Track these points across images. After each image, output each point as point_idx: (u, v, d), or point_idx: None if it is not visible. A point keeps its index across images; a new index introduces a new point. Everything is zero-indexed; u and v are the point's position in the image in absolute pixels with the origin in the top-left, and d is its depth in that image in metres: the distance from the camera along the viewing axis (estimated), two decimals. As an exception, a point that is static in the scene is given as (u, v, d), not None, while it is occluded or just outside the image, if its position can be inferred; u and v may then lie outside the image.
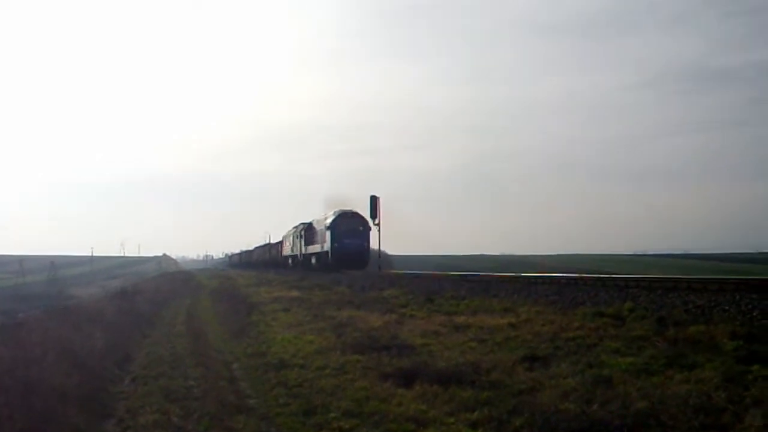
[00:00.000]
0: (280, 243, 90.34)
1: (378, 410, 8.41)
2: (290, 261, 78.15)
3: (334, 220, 55.73)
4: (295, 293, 29.66)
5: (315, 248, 61.83)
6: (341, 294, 26.98)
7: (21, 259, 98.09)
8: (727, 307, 14.03)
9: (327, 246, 56.05)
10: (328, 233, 55.80)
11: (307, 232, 67.02)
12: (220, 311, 24.59)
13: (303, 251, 68.36)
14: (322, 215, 61.87)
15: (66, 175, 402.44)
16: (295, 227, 77.97)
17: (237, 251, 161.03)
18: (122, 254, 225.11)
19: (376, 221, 53.73)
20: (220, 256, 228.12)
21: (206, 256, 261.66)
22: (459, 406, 8.31)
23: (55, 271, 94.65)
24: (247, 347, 14.64)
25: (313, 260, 62.30)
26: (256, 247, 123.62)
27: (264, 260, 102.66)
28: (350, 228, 55.14)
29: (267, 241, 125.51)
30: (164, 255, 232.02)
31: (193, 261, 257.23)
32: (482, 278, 29.27)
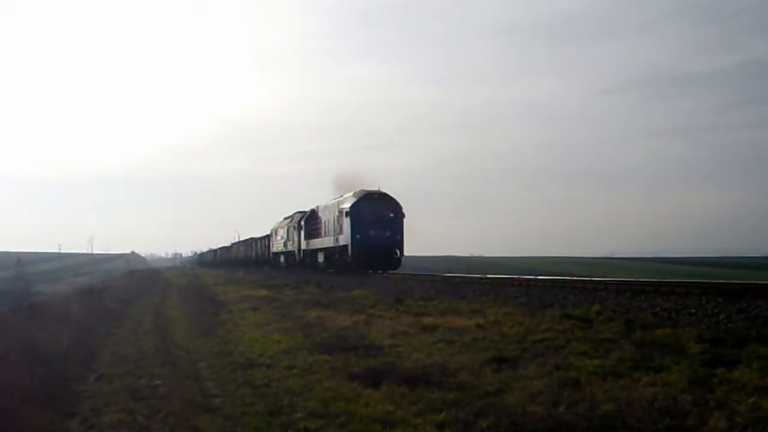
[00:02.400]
0: (268, 237, 77.99)
1: (345, 411, 8.37)
2: (282, 259, 66.56)
3: (355, 204, 42.25)
4: (263, 292, 29.60)
5: (323, 242, 49.02)
6: (310, 294, 26.95)
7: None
8: (693, 311, 14.13)
9: (344, 239, 43.08)
10: (346, 221, 42.59)
11: (310, 222, 54.44)
12: (188, 310, 24.44)
13: (303, 246, 56.22)
14: (331, 199, 49.16)
15: (34, 171, 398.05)
16: (289, 217, 66.04)
17: (210, 248, 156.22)
18: (90, 251, 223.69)
19: None
20: (189, 254, 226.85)
21: (175, 254, 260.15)
22: (426, 407, 8.30)
23: (22, 267, 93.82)
24: (214, 346, 14.56)
25: (320, 258, 50.05)
26: (235, 243, 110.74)
27: (245, 258, 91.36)
28: (378, 214, 42.27)
29: (236, 239, 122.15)
30: (133, 253, 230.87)
31: (162, 259, 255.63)
32: (455, 281, 29.28)
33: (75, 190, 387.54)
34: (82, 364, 12.77)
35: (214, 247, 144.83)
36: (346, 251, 43.12)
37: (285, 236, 65.68)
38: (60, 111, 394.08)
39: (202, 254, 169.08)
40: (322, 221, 50.13)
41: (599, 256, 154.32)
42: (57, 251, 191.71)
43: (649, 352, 10.33)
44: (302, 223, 56.79)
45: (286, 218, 67.71)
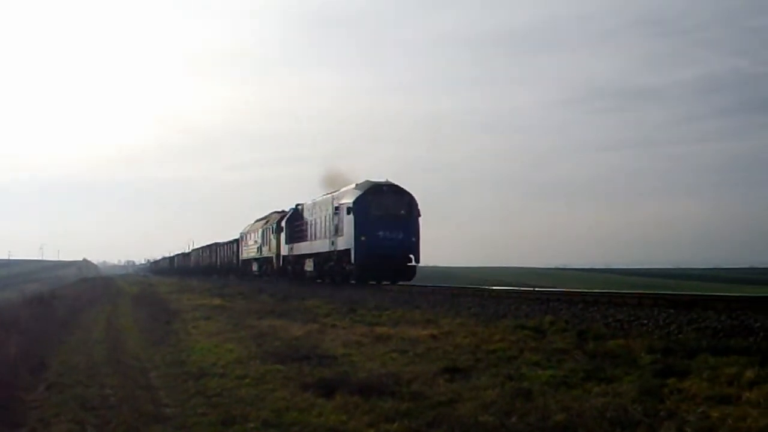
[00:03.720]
0: (235, 243, 70.72)
1: (297, 420, 8.32)
2: (255, 267, 59.74)
3: (360, 199, 35.27)
4: (217, 301, 29.36)
5: (313, 246, 41.92)
6: (264, 303, 26.80)
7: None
8: (645, 322, 14.25)
9: (345, 242, 35.78)
10: (347, 220, 35.34)
11: (293, 222, 47.16)
12: (140, 318, 24.17)
13: (285, 252, 48.75)
14: (322, 195, 42.12)
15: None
16: (264, 218, 59.03)
17: (165, 255, 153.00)
18: (41, 258, 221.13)
19: None
20: (142, 261, 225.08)
21: (128, 261, 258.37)
22: (379, 417, 8.26)
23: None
24: (166, 355, 14.40)
25: (309, 265, 42.80)
26: (196, 250, 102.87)
27: (208, 266, 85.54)
28: (389, 211, 35.23)
29: (190, 247, 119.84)
30: (85, 260, 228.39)
31: (115, 266, 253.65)
32: (409, 289, 29.32)
33: (25, 196, 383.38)
34: (31, 373, 12.55)
35: (170, 254, 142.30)
36: (346, 257, 35.81)
37: (259, 240, 57.90)
38: (6, 116, 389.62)
39: (156, 262, 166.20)
40: (311, 221, 42.86)
41: (553, 266, 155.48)
42: (6, 258, 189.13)
43: (601, 362, 10.39)
44: (283, 224, 49.23)
45: (259, 220, 60.94)
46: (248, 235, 63.91)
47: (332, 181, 43.61)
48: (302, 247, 44.88)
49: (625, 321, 14.64)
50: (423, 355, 12.35)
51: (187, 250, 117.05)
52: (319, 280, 41.51)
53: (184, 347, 15.33)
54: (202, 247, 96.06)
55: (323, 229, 39.97)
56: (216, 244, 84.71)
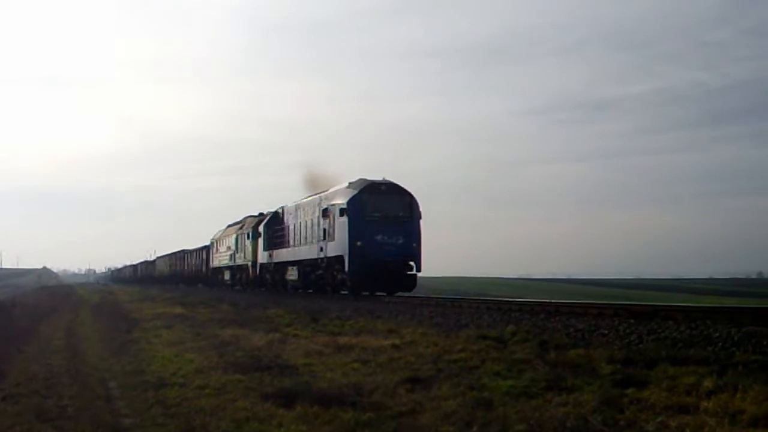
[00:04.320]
0: (205, 250, 66.34)
1: (258, 431, 8.28)
2: (228, 275, 55.65)
3: (355, 199, 31.58)
4: (178, 310, 29.16)
5: (297, 253, 37.83)
6: (225, 312, 26.66)
7: None
8: (606, 332, 14.31)
9: (336, 247, 32.06)
10: (339, 223, 31.62)
11: (272, 227, 43.10)
12: (100, 327, 23.95)
13: (263, 259, 44.41)
14: (307, 196, 38.76)
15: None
16: (238, 223, 55.03)
17: (127, 264, 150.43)
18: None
19: None
20: (103, 270, 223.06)
21: (89, 270, 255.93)
22: (339, 427, 8.23)
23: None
24: (126, 365, 14.26)
25: (292, 274, 38.93)
26: (161, 257, 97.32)
27: (174, 274, 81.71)
28: (387, 213, 31.53)
29: (152, 256, 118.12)
30: (44, 268, 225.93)
31: (76, 275, 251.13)
32: (372, 298, 29.29)
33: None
34: (-13, 383, 12.40)
35: (133, 262, 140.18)
36: (338, 265, 32.08)
37: (233, 247, 53.35)
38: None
39: (118, 270, 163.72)
40: (294, 226, 38.82)
41: (515, 276, 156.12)
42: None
43: (562, 372, 10.42)
44: (261, 229, 45.04)
45: (233, 225, 56.95)
46: (220, 242, 59.31)
47: (314, 183, 41.08)
48: (284, 254, 40.36)
49: (586, 331, 14.70)
50: (384, 365, 12.33)
51: (151, 258, 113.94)
52: (306, 291, 37.60)
53: (145, 357, 15.19)
54: (168, 255, 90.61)
55: (309, 234, 35.97)
56: (183, 252, 79.59)
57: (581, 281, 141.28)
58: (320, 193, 36.26)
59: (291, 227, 39.48)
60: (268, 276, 44.27)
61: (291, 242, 39.19)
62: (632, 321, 15.26)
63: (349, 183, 32.94)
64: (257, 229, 46.41)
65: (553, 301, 23.39)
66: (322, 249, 33.58)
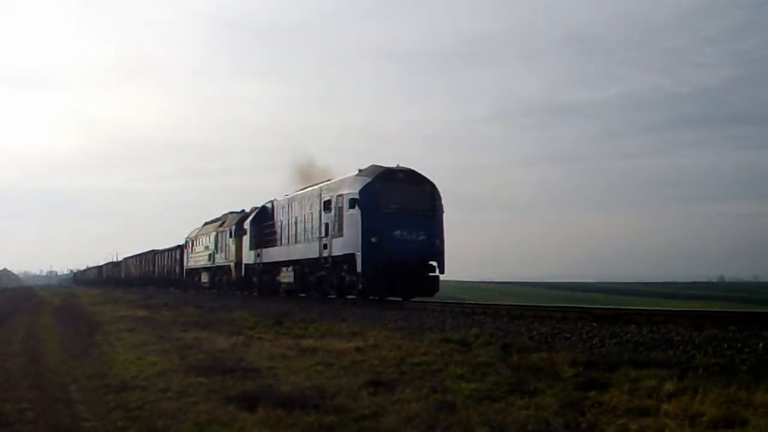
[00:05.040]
0: (178, 249, 62.03)
1: (219, 434, 8.23)
2: (206, 277, 51.09)
3: (369, 187, 27.45)
4: (141, 313, 28.95)
5: (292, 251, 33.82)
6: (189, 315, 26.50)
7: None
8: (569, 335, 14.39)
9: (346, 245, 27.99)
10: (350, 216, 27.68)
11: (261, 223, 38.99)
12: (62, 330, 23.72)
13: (249, 259, 40.27)
14: (308, 186, 34.19)
15: None
16: (217, 220, 50.65)
17: (90, 265, 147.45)
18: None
19: None
20: (66, 272, 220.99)
21: (50, 271, 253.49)
22: (302, 430, 8.21)
23: None
24: (87, 368, 14.12)
25: (286, 276, 34.80)
26: (129, 258, 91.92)
27: (143, 276, 77.40)
28: (407, 204, 27.50)
29: (114, 257, 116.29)
30: (4, 270, 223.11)
31: (37, 277, 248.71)
32: (334, 301, 29.26)
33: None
34: (-56, 387, 12.24)
35: (97, 263, 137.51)
36: (348, 265, 27.90)
37: (211, 246, 49.25)
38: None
39: (82, 272, 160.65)
40: (288, 221, 34.82)
41: (478, 280, 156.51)
42: None
43: (525, 375, 10.46)
44: (246, 225, 40.96)
45: (211, 222, 52.85)
46: (196, 241, 54.68)
47: (306, 175, 37.91)
48: (275, 254, 36.29)
49: (549, 334, 14.77)
50: (348, 368, 12.31)
51: (116, 259, 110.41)
52: (306, 294, 33.30)
53: (106, 360, 15.07)
54: (137, 256, 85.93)
55: (308, 231, 31.92)
56: (153, 252, 74.97)
57: (544, 285, 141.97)
58: (320, 183, 32.26)
59: (284, 223, 35.59)
60: (255, 278, 40.06)
61: (284, 240, 35.31)
62: (595, 324, 15.36)
63: (360, 170, 28.70)
64: (241, 226, 42.44)
65: (516, 304, 23.47)
66: (326, 247, 29.41)
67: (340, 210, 28.46)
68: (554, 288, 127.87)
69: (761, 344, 11.58)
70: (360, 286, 27.37)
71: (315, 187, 32.56)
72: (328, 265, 29.70)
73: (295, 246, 33.65)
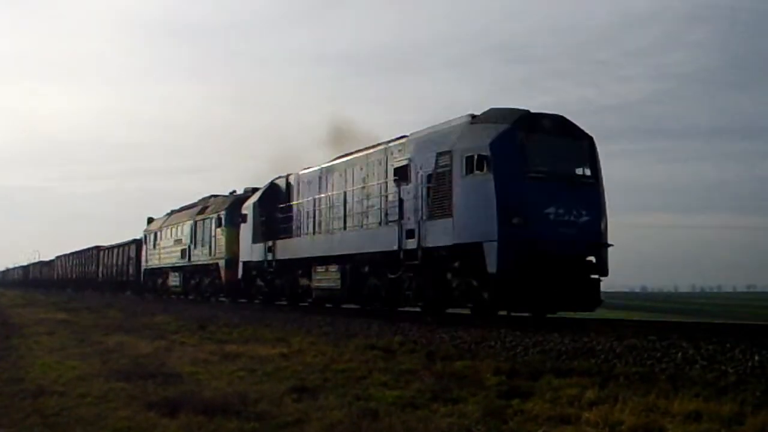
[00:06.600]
0: (135, 245, 51.40)
1: (139, 440, 8.10)
2: (176, 279, 41.62)
3: (507, 137, 17.95)
4: (62, 315, 28.44)
5: (335, 245, 24.39)
6: (111, 318, 26.13)
7: None
8: (493, 344, 14.49)
9: (460, 230, 18.43)
10: (471, 185, 18.25)
11: (268, 206, 29.65)
12: (-23, 333, 23.20)
13: (252, 255, 30.07)
14: (371, 148, 23.93)
15: None
16: (191, 206, 41.79)
17: (16, 265, 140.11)
18: None
19: None
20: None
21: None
22: (223, 437, 8.13)
23: None
24: (2, 372, 13.79)
25: (326, 278, 24.84)
26: (64, 256, 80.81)
27: (82, 277, 67.76)
28: (561, 169, 18.54)
29: (36, 258, 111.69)
30: None
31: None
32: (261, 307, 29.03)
33: None
34: None
35: (20, 263, 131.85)
36: (461, 262, 18.75)
37: (186, 239, 39.19)
38: None
39: (2, 273, 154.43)
40: (323, 201, 25.86)
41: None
42: None
43: (448, 383, 10.49)
44: (247, 210, 31.06)
45: (181, 210, 43.40)
46: (161, 234, 44.24)
47: (341, 139, 30.04)
48: (301, 247, 26.73)
49: (473, 342, 14.86)
50: (271, 374, 12.23)
51: (39, 259, 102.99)
52: (364, 305, 24.16)
53: (23, 364, 14.74)
54: (74, 253, 74.65)
55: (370, 211, 22.98)
56: (97, 249, 63.68)
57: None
58: (386, 143, 23.02)
59: (315, 204, 26.33)
60: (261, 281, 30.63)
61: (316, 228, 26.34)
62: (518, 333, 15.47)
63: (473, 116, 19.52)
64: (237, 211, 32.69)
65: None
66: (411, 234, 20.16)
67: (441, 176, 19.20)
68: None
69: (680, 354, 11.81)
70: (487, 295, 18.19)
71: (377, 148, 23.43)
72: (416, 261, 20.06)
73: (343, 235, 24.20)
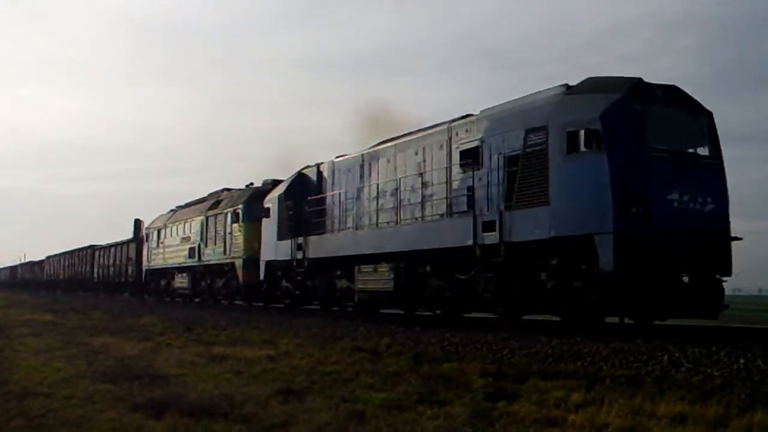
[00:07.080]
0: (135, 244, 48.89)
1: (125, 443, 8.08)
2: (183, 282, 38.31)
3: (621, 110, 15.31)
4: (48, 317, 28.27)
5: (386, 241, 21.50)
6: (98, 320, 26.01)
7: None
8: (480, 346, 14.50)
9: (559, 221, 15.72)
10: (578, 164, 15.55)
11: (296, 198, 27.06)
12: (-39, 335, 23.08)
13: (275, 254, 27.26)
14: (429, 129, 21.30)
15: None
16: (200, 201, 38.62)
17: (3, 266, 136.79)
18: None
19: None
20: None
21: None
22: (209, 439, 8.11)
23: None
24: (-13, 374, 13.77)
25: (374, 280, 21.81)
26: (54, 256, 77.57)
27: (74, 278, 65.28)
28: (680, 147, 16.17)
29: (22, 260, 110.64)
30: None
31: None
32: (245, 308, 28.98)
33: None
34: None
35: (4, 264, 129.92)
36: (559, 259, 16.26)
37: (196, 237, 36.06)
38: None
39: None
40: (365, 190, 23.43)
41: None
42: None
43: (435, 385, 10.50)
44: (271, 203, 28.02)
45: (188, 205, 40.51)
46: (165, 231, 41.04)
47: (381, 128, 26.18)
48: (340, 243, 23.80)
49: (460, 345, 14.87)
50: (258, 376, 12.20)
51: (25, 260, 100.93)
52: (412, 312, 22.32)
53: (8, 365, 14.65)
54: (66, 253, 71.27)
55: (426, 202, 20.53)
56: (92, 248, 60.62)
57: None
58: (448, 123, 20.42)
59: (354, 195, 23.95)
60: (288, 283, 27.35)
61: (356, 221, 23.74)
62: (505, 335, 15.50)
63: (568, 86, 17.01)
64: (258, 204, 29.61)
65: (427, 314, 23.53)
66: (490, 227, 17.45)
67: (532, 157, 16.72)
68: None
69: (666, 356, 11.85)
70: (595, 297, 15.69)
71: (436, 129, 20.79)
72: (498, 259, 17.36)
73: (395, 230, 21.35)
